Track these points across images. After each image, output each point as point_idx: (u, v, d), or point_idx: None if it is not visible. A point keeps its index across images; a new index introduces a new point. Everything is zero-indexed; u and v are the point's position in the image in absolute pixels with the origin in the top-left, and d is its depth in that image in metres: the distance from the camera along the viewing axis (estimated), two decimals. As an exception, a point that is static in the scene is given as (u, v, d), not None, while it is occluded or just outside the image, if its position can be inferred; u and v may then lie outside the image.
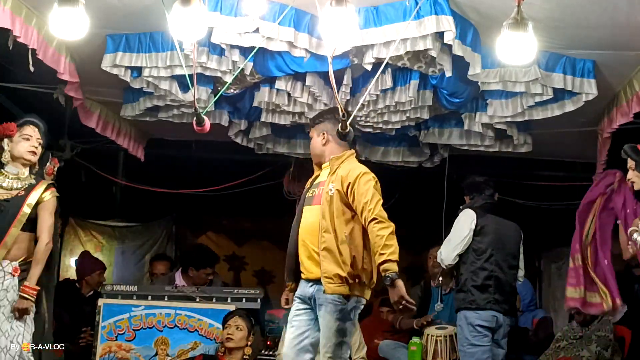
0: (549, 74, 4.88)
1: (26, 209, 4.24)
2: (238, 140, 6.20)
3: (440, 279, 6.05)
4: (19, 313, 4.17)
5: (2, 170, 4.33)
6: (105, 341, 5.51)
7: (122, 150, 6.98)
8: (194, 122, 4.19)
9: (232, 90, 5.33)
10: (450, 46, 4.48)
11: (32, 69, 4.63)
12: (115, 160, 7.72)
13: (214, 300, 5.72)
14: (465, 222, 5.21)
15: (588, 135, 5.90)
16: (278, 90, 5.27)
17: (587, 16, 4.34)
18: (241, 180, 7.15)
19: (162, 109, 5.70)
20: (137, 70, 5.08)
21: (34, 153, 4.36)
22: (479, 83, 4.97)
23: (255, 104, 5.48)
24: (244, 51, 4.71)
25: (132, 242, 8.22)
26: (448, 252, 5.21)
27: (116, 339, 5.54)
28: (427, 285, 6.42)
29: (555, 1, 4.24)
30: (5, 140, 4.34)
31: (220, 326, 5.43)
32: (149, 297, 5.72)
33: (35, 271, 4.25)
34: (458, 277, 5.29)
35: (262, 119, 5.71)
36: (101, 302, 5.60)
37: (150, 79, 5.10)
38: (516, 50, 3.89)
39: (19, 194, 4.27)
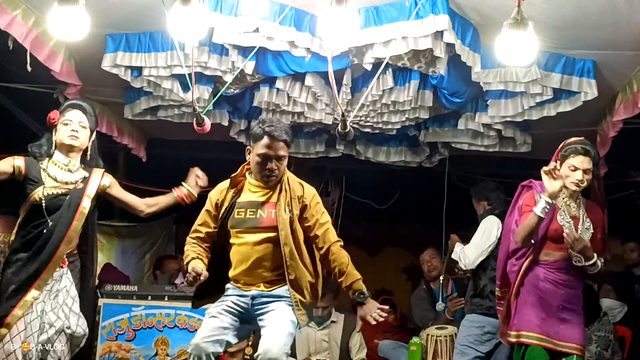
0: (549, 74, 4.88)
1: (86, 202, 4.12)
2: (242, 139, 6.21)
3: (442, 279, 6.05)
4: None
5: (52, 159, 4.15)
6: (105, 341, 5.51)
7: (122, 150, 6.98)
8: (194, 122, 4.19)
9: (232, 90, 5.33)
10: (448, 45, 4.49)
11: (29, 68, 4.62)
12: (115, 160, 7.71)
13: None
14: (493, 229, 5.18)
15: (588, 135, 5.88)
16: (278, 90, 5.27)
17: (587, 16, 4.34)
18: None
19: (162, 109, 5.70)
20: (138, 70, 5.08)
21: (75, 137, 4.12)
22: (480, 83, 4.97)
23: (255, 104, 5.48)
24: (244, 51, 4.71)
25: (132, 242, 8.21)
26: (475, 256, 5.17)
27: (116, 339, 5.54)
28: (428, 285, 6.42)
29: (555, 1, 4.24)
30: (53, 130, 4.19)
31: (220, 326, 5.42)
32: (149, 297, 5.72)
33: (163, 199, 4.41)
34: (476, 282, 5.27)
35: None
36: (101, 302, 5.60)
37: (150, 79, 5.10)
38: (516, 50, 3.90)
39: (77, 187, 4.12)
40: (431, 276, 6.22)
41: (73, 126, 4.14)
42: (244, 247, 3.90)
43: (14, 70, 5.37)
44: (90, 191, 4.15)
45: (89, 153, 4.25)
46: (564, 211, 4.22)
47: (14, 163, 4.11)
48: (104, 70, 4.99)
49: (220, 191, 4.01)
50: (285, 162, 3.97)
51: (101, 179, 4.22)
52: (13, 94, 5.94)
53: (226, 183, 4.03)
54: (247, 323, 3.89)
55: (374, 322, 3.87)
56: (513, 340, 4.21)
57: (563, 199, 4.24)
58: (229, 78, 4.93)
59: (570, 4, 4.26)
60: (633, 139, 5.77)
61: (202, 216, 4.02)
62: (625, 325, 5.93)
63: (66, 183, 4.12)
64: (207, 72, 5.00)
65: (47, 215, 4.05)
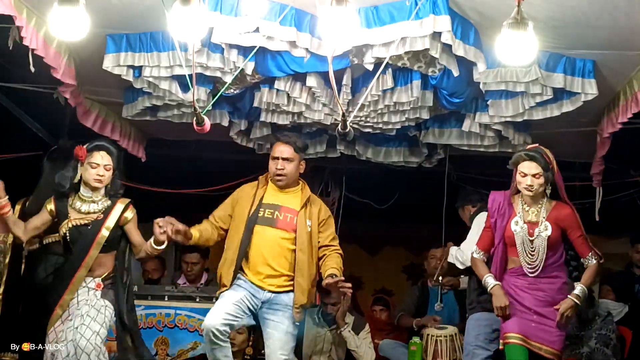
0: (549, 74, 4.87)
1: (104, 232, 4.43)
2: (239, 140, 6.21)
3: (441, 278, 6.06)
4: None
5: (79, 193, 4.51)
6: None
7: (121, 150, 6.97)
8: (194, 122, 4.20)
9: (232, 90, 5.32)
10: (447, 46, 4.48)
11: (32, 69, 4.63)
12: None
13: (214, 300, 5.70)
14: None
15: (588, 135, 5.90)
16: (278, 90, 5.26)
17: (587, 16, 4.34)
18: (241, 180, 7.12)
19: (162, 109, 5.70)
20: (138, 70, 5.08)
21: (100, 181, 4.48)
22: (480, 83, 4.97)
23: (255, 104, 5.48)
24: (244, 51, 4.71)
25: (132, 242, 8.18)
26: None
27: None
28: (425, 285, 6.43)
29: (555, 1, 4.24)
30: (79, 164, 4.50)
31: (220, 326, 5.41)
32: (149, 297, 5.72)
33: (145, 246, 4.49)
34: (478, 279, 5.23)
35: (262, 119, 5.71)
36: (101, 302, 5.58)
37: (150, 79, 5.09)
38: (516, 50, 3.90)
39: (98, 218, 4.44)
40: (433, 273, 6.24)
41: (99, 170, 4.48)
42: (259, 240, 4.49)
43: (14, 70, 5.37)
44: (110, 222, 4.47)
45: (109, 186, 4.56)
46: (520, 218, 4.31)
47: (47, 209, 4.50)
48: (103, 70, 4.99)
49: (245, 190, 4.70)
50: (293, 164, 4.58)
51: (124, 211, 4.53)
52: (13, 94, 5.94)
53: (254, 184, 4.71)
54: (250, 317, 4.49)
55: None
56: (501, 347, 4.39)
57: (522, 205, 4.36)
58: (228, 78, 4.93)
59: (570, 4, 4.26)
60: (633, 139, 5.77)
61: (221, 206, 4.74)
62: (625, 325, 5.94)
63: (88, 213, 4.45)
64: (207, 73, 4.99)
65: (71, 246, 4.43)
